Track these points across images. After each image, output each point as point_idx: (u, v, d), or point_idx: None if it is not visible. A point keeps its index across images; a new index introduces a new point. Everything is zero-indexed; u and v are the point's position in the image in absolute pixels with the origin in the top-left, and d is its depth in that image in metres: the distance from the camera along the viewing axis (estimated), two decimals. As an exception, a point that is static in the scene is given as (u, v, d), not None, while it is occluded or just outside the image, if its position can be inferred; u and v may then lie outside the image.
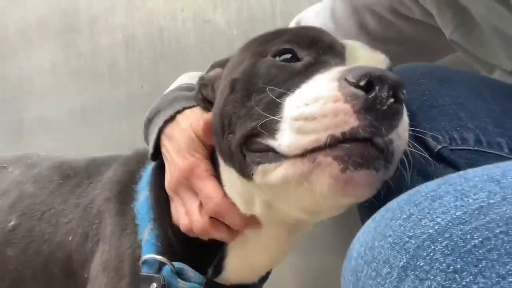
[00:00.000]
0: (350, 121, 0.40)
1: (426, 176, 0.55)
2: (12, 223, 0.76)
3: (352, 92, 0.41)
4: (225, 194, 0.58)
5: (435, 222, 0.31)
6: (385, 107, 0.40)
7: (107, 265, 0.64)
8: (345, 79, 0.42)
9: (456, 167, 0.54)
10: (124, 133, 1.39)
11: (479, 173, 0.34)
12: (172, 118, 0.62)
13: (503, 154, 0.52)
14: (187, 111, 0.63)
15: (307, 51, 0.51)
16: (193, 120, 0.60)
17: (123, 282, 0.61)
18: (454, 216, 0.31)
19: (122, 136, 1.39)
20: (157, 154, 0.65)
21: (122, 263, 0.63)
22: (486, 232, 0.29)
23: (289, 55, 0.51)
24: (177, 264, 0.60)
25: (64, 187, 0.77)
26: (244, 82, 0.52)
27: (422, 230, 0.31)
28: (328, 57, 0.51)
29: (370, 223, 0.36)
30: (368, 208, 0.52)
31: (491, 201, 0.30)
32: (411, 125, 0.55)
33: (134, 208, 0.67)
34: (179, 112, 0.63)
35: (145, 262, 0.60)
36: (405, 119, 0.45)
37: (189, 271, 0.60)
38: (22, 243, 0.74)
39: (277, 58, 0.52)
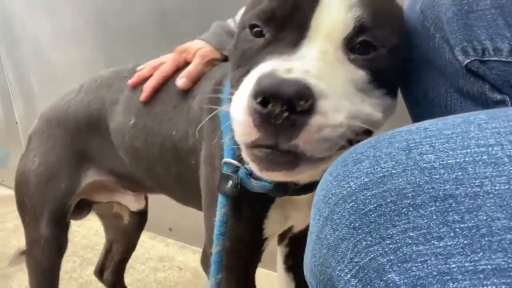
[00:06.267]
0: (252, 133, 0.46)
1: (458, 89, 0.54)
2: (132, 121, 0.98)
3: (253, 107, 0.44)
4: None
5: (349, 185, 0.36)
6: (280, 120, 0.43)
7: (206, 159, 0.82)
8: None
9: (486, 80, 0.51)
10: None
11: (404, 137, 0.36)
12: None
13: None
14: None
15: (267, 28, 0.54)
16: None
17: (216, 174, 0.77)
18: (363, 182, 0.35)
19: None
20: None
21: (214, 159, 0.79)
22: (380, 200, 0.34)
23: (259, 29, 0.54)
24: (249, 167, 0.71)
25: (164, 92, 0.95)
26: (232, 53, 0.59)
27: (340, 190, 0.37)
28: (286, 33, 0.52)
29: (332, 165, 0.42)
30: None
31: (393, 171, 0.34)
32: (443, 36, 0.53)
33: (219, 115, 0.77)
34: None
35: (225, 163, 0.73)
36: (321, 120, 0.45)
37: None
38: (142, 136, 0.96)
39: (251, 31, 0.55)
